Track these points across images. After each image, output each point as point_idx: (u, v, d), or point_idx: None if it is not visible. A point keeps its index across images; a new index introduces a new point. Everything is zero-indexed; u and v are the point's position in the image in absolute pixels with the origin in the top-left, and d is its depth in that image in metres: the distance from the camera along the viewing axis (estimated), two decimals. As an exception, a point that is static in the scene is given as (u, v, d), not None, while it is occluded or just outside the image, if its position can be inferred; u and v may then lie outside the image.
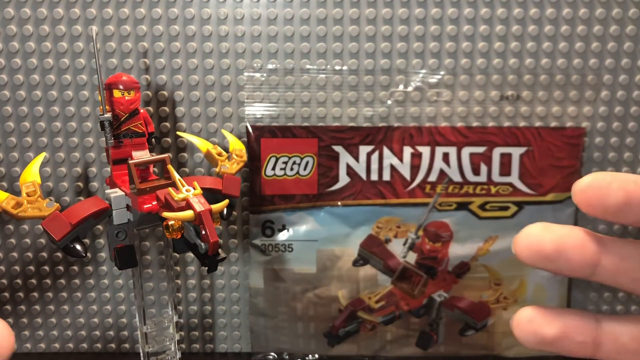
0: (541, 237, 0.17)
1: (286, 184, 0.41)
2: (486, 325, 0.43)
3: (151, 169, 0.32)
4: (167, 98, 0.41)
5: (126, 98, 0.31)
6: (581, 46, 0.41)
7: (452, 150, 0.41)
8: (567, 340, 0.17)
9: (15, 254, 0.44)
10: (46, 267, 0.44)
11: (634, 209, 0.15)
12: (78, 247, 0.29)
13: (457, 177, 0.41)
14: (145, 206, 0.29)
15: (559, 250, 0.16)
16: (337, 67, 0.41)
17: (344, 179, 0.41)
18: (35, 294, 0.44)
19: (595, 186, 0.16)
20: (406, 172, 0.41)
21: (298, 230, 0.42)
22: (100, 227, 0.43)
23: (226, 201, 0.29)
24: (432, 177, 0.41)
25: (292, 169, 0.41)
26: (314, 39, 0.41)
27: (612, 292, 0.45)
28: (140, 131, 0.32)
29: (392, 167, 0.41)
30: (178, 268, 0.45)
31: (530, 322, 0.17)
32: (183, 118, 0.42)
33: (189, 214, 0.27)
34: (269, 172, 0.41)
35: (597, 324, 0.18)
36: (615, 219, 0.16)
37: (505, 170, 0.41)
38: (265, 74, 0.41)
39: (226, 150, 0.36)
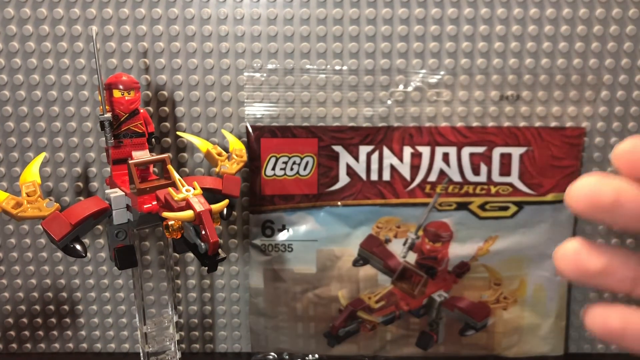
0: (599, 188, 0.16)
1: (286, 184, 0.41)
2: (486, 325, 0.43)
3: (151, 169, 0.32)
4: (167, 98, 0.41)
5: (126, 98, 0.31)
6: (581, 46, 0.41)
7: (452, 150, 0.41)
8: (609, 276, 0.17)
9: (15, 254, 0.44)
10: (46, 268, 0.44)
11: None
12: (78, 247, 0.29)
13: (457, 177, 0.41)
14: (145, 206, 0.29)
15: (617, 202, 0.16)
16: (337, 67, 0.41)
17: (344, 179, 0.41)
18: (35, 294, 0.44)
19: (636, 150, 0.16)
20: (406, 172, 0.41)
21: (298, 230, 0.42)
22: (100, 227, 0.43)
23: (226, 201, 0.29)
24: (432, 177, 0.41)
25: (292, 169, 0.41)
26: (314, 39, 0.41)
27: (612, 293, 0.45)
28: (140, 131, 0.32)
29: (392, 167, 0.41)
30: (178, 268, 0.45)
31: (577, 254, 0.17)
32: (183, 118, 0.42)
33: (189, 214, 0.27)
34: (269, 172, 0.41)
35: (639, 261, 0.17)
36: None
37: (505, 170, 0.41)
38: (265, 74, 0.41)
39: (226, 150, 0.36)
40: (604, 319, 0.17)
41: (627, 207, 0.16)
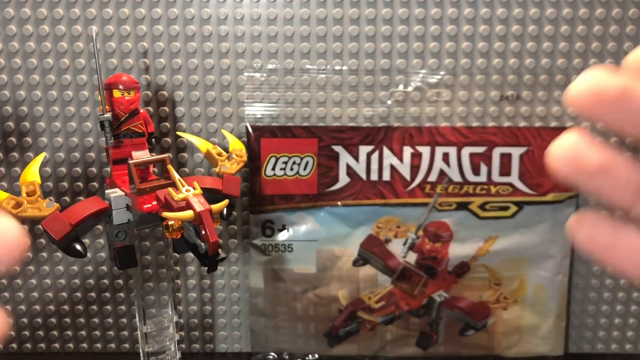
0: (604, 81, 0.13)
1: (286, 184, 0.41)
2: (486, 325, 0.43)
3: (151, 169, 0.32)
4: (167, 98, 0.41)
5: (126, 98, 0.31)
6: (581, 46, 0.41)
7: (452, 150, 0.41)
8: (609, 175, 0.14)
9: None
10: (46, 267, 0.44)
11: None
12: (78, 247, 0.29)
13: (457, 177, 0.41)
14: (145, 206, 0.29)
15: (624, 95, 0.13)
16: (337, 67, 0.41)
17: (344, 179, 0.41)
18: (36, 294, 0.44)
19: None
20: (406, 172, 0.41)
21: (298, 230, 0.42)
22: (100, 227, 0.43)
23: (226, 201, 0.29)
24: (432, 177, 0.41)
25: (292, 169, 0.41)
26: (314, 39, 0.41)
27: (612, 293, 0.45)
28: (140, 131, 0.32)
29: (392, 167, 0.41)
30: (178, 268, 0.45)
31: (574, 147, 0.14)
32: (183, 118, 0.42)
33: (189, 214, 0.27)
34: (269, 172, 0.41)
35: None
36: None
37: (505, 170, 0.41)
38: (265, 74, 0.41)
39: (226, 150, 0.36)
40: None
41: (635, 103, 0.13)
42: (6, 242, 0.14)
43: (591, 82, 0.13)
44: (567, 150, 0.14)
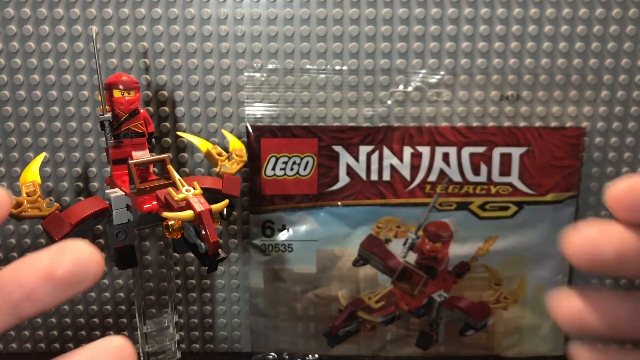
0: (600, 241, 0.15)
1: (286, 184, 0.41)
2: (486, 325, 0.43)
3: (151, 169, 0.32)
4: (167, 98, 0.41)
5: (126, 98, 0.31)
6: (581, 46, 0.41)
7: (452, 150, 0.41)
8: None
9: (15, 254, 0.44)
10: (46, 267, 0.44)
11: None
12: (78, 247, 0.29)
13: (457, 177, 0.41)
14: (145, 206, 0.29)
15: (621, 256, 0.15)
16: (337, 67, 0.41)
17: (344, 179, 0.41)
18: (35, 294, 0.44)
19: (635, 191, 0.15)
20: (406, 172, 0.41)
21: (298, 230, 0.42)
22: (100, 227, 0.43)
23: (226, 201, 0.29)
24: (432, 177, 0.41)
25: (292, 169, 0.41)
26: (314, 39, 0.41)
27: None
28: (140, 131, 0.32)
29: (392, 167, 0.41)
30: (178, 268, 0.45)
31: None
32: (183, 118, 0.42)
33: (189, 214, 0.27)
34: (269, 172, 0.41)
35: None
36: None
37: (505, 170, 0.41)
38: (265, 74, 0.41)
39: (226, 150, 0.36)
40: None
41: (632, 260, 0.15)
42: (83, 262, 0.15)
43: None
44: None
